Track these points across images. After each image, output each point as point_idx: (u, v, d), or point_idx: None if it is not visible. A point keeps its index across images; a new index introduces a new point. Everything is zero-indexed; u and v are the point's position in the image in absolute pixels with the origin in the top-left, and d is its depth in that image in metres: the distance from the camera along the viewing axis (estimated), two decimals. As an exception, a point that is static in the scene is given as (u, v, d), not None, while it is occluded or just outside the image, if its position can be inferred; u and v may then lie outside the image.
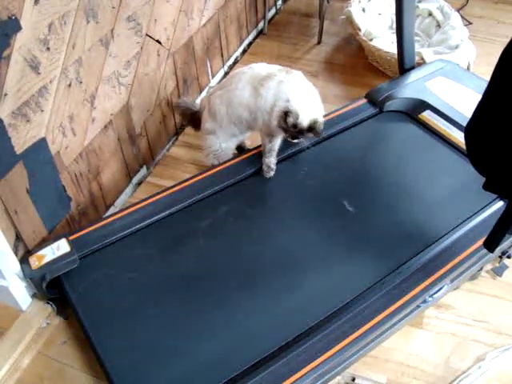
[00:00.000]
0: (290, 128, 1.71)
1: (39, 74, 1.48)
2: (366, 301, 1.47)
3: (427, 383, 1.55)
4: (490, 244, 1.38)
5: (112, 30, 1.75)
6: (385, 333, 1.49)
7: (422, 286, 1.50)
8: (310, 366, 1.35)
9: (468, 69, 2.49)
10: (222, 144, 1.95)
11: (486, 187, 1.24)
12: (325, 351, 1.38)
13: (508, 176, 1.17)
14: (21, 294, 1.66)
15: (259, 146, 1.93)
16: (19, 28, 1.36)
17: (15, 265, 1.61)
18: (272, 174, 1.86)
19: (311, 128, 1.72)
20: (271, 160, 1.85)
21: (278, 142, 1.85)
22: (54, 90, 1.56)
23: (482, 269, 1.76)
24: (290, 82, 1.76)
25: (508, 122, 1.10)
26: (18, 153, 1.49)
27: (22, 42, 1.38)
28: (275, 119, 1.74)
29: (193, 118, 2.11)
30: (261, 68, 1.84)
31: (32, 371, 1.59)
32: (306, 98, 1.75)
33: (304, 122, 1.70)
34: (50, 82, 1.54)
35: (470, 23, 3.04)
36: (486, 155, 1.20)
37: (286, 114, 1.69)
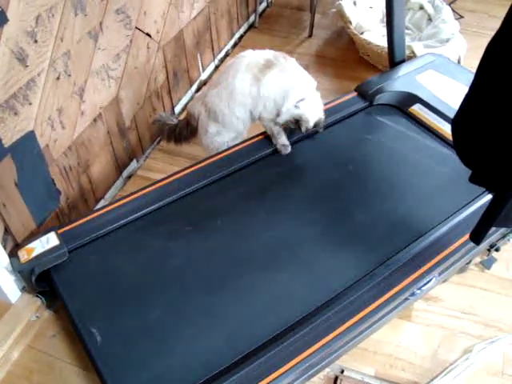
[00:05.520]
0: (303, 131, 1.81)
1: (27, 66, 1.48)
2: (354, 293, 1.48)
3: (415, 375, 1.56)
4: (476, 237, 1.38)
5: (101, 23, 1.74)
6: (373, 325, 1.49)
7: (411, 278, 1.51)
8: (298, 358, 1.35)
9: (459, 62, 2.50)
10: (229, 143, 1.95)
11: (472, 180, 1.25)
12: (313, 343, 1.38)
13: (493, 169, 1.17)
14: (10, 287, 1.66)
15: (246, 140, 1.94)
16: (6, 20, 1.35)
17: (4, 258, 1.60)
18: (289, 149, 1.89)
19: (315, 126, 1.82)
20: (283, 138, 1.88)
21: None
22: (42, 83, 1.56)
23: (470, 262, 1.77)
24: (292, 74, 1.82)
25: (493, 115, 1.10)
26: (5, 146, 1.49)
27: (8, 35, 1.38)
28: (283, 120, 1.81)
29: (172, 133, 2.02)
30: (255, 55, 1.85)
31: (21, 364, 1.59)
32: (312, 97, 1.82)
33: (311, 123, 1.79)
34: (38, 74, 1.53)
35: (462, 17, 3.05)
36: (472, 148, 1.21)
37: (297, 121, 1.78)
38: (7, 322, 1.64)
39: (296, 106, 1.77)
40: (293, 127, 1.81)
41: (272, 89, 1.80)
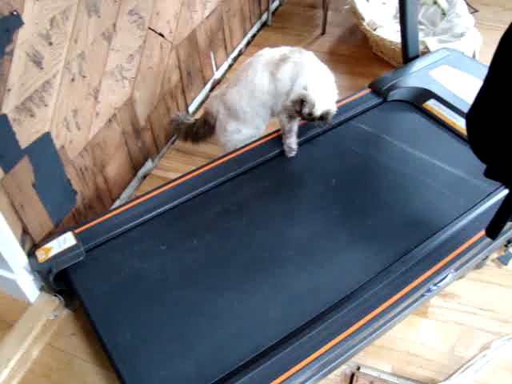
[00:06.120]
0: (303, 113, 1.74)
1: (42, 68, 1.50)
2: (370, 290, 1.48)
3: (432, 372, 1.55)
4: (492, 232, 1.37)
5: (114, 24, 1.76)
6: (390, 322, 1.49)
7: (427, 274, 1.50)
8: (315, 355, 1.36)
9: (474, 57, 2.48)
10: (246, 141, 1.95)
11: (487, 174, 1.24)
12: (330, 340, 1.38)
13: (508, 163, 1.16)
14: (29, 286, 1.68)
15: (258, 140, 1.94)
16: (21, 23, 1.37)
17: (23, 258, 1.63)
18: (294, 153, 1.87)
19: (323, 117, 1.77)
20: (292, 140, 1.86)
21: (296, 123, 1.86)
22: (58, 85, 1.58)
23: (487, 257, 1.75)
24: (306, 64, 1.78)
25: (508, 109, 1.09)
26: (22, 147, 1.51)
27: (24, 38, 1.40)
28: (290, 101, 1.77)
29: (189, 132, 2.04)
30: (272, 52, 1.85)
31: (41, 362, 1.62)
32: (323, 85, 1.78)
33: (318, 111, 1.74)
34: (54, 76, 1.55)
35: (476, 11, 3.02)
36: (487, 142, 1.20)
37: (302, 101, 1.72)
38: (27, 321, 1.66)
39: (304, 88, 1.74)
40: (298, 109, 1.75)
41: (285, 82, 1.79)
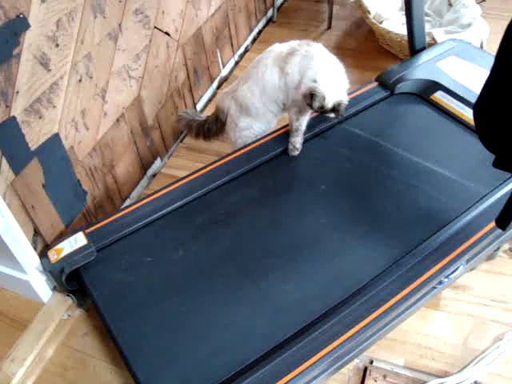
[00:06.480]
0: (314, 107, 1.73)
1: (50, 70, 1.51)
2: (381, 283, 1.48)
3: (446, 364, 1.55)
4: (502, 222, 1.37)
5: (120, 24, 1.77)
6: (402, 315, 1.49)
7: (438, 266, 1.50)
8: (327, 349, 1.36)
9: (481, 47, 2.46)
10: (257, 137, 1.95)
11: (495, 165, 1.23)
12: (342, 334, 1.38)
13: (516, 152, 1.16)
14: (41, 287, 1.69)
15: (262, 138, 1.95)
16: (28, 26, 1.38)
17: (35, 259, 1.65)
18: (297, 153, 1.87)
19: (335, 109, 1.75)
20: (297, 139, 1.86)
21: (305, 121, 1.85)
22: (65, 86, 1.59)
23: (498, 249, 1.74)
24: (314, 56, 1.77)
25: (515, 98, 1.09)
26: (32, 149, 1.52)
27: (31, 40, 1.41)
28: (300, 95, 1.76)
29: (200, 129, 2.04)
30: (281, 47, 1.84)
31: (56, 361, 1.63)
32: (333, 76, 1.76)
33: (329, 104, 1.73)
34: (61, 78, 1.56)
35: (483, 0, 2.99)
36: (495, 132, 1.19)
37: (312, 95, 1.71)
38: (40, 321, 1.68)
39: (313, 81, 1.72)
40: (309, 103, 1.73)
41: (294, 75, 1.78)
